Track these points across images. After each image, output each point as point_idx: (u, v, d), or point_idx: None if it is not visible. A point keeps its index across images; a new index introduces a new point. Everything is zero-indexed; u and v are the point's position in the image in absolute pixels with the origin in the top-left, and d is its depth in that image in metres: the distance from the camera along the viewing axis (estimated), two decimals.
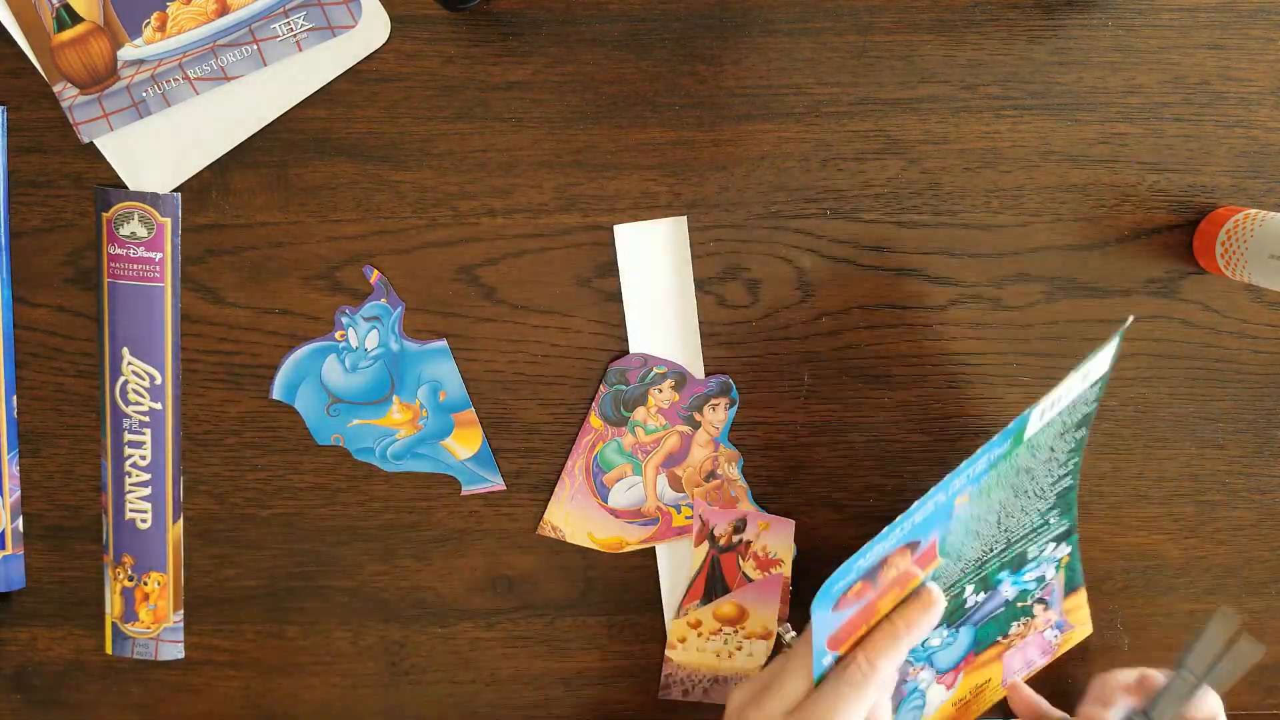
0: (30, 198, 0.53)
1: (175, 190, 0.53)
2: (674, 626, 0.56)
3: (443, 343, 0.54)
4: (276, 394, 0.54)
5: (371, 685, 0.57)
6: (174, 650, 0.56)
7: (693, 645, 0.56)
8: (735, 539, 0.56)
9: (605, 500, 0.55)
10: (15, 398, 0.55)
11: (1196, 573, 0.57)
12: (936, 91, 0.53)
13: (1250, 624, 0.57)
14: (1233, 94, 0.53)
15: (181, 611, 0.56)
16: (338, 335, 0.53)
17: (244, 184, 0.53)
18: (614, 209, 0.53)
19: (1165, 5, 0.52)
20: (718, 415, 0.55)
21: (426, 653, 0.57)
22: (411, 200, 0.53)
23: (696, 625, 0.56)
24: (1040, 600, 0.55)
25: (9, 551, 0.56)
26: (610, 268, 0.54)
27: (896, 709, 0.51)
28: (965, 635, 0.53)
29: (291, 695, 0.57)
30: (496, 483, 0.55)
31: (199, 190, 0.53)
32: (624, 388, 0.54)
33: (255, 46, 0.52)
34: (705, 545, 0.56)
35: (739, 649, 0.56)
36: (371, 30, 0.52)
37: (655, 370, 0.54)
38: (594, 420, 0.54)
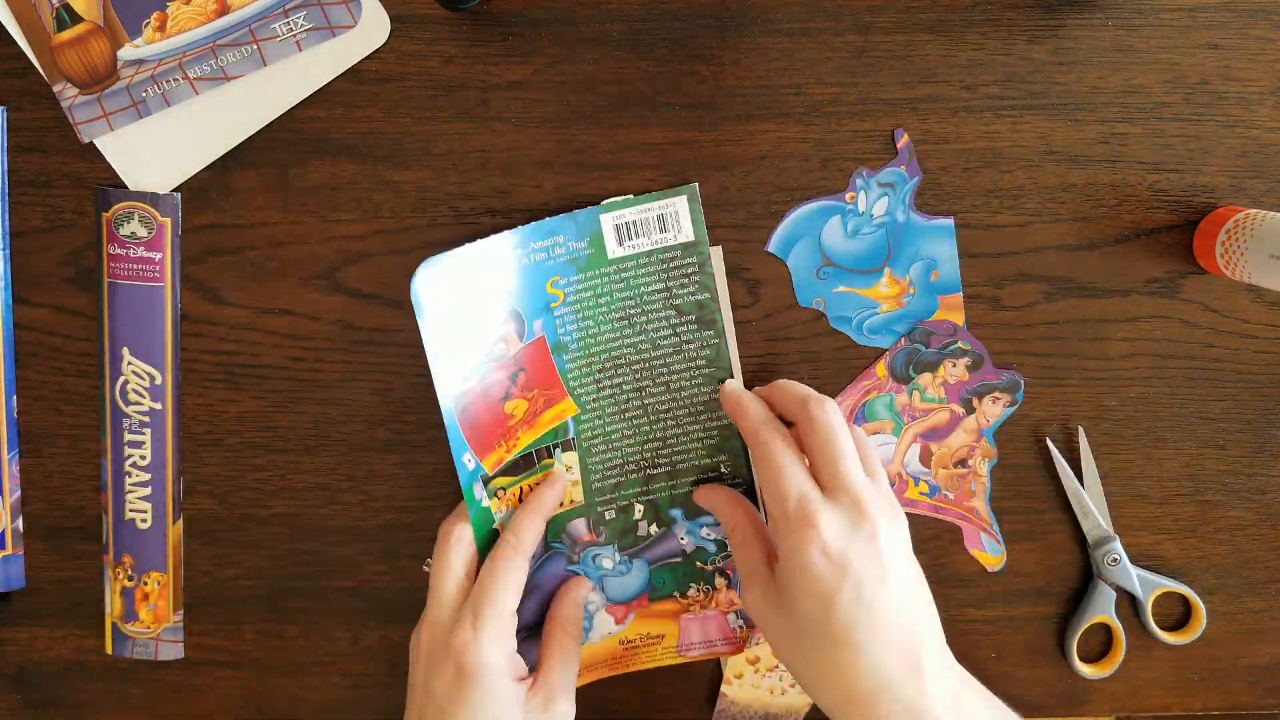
0: (30, 198, 0.53)
1: (175, 190, 0.53)
2: (732, 662, 0.56)
3: (949, 221, 0.52)
4: (772, 247, 0.53)
5: (371, 685, 0.57)
6: (174, 650, 0.56)
7: (749, 681, 0.56)
8: None
9: None
10: (15, 398, 0.55)
11: (1196, 573, 0.57)
12: (936, 91, 0.53)
13: (1250, 624, 0.57)
14: (1233, 94, 0.53)
15: (181, 611, 0.56)
16: (848, 197, 0.52)
17: (244, 184, 0.53)
18: None
19: (1165, 5, 0.52)
20: (995, 409, 0.54)
21: None
22: (411, 200, 0.53)
23: (755, 661, 0.56)
24: (722, 572, 0.55)
25: (9, 551, 0.56)
26: None
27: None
28: (639, 571, 0.55)
29: (291, 695, 0.57)
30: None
31: (199, 190, 0.53)
32: (922, 348, 0.54)
33: (255, 46, 0.52)
34: None
35: (792, 686, 0.56)
36: (371, 30, 0.52)
37: (960, 344, 0.54)
38: (879, 369, 0.54)
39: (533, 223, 0.51)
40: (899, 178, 0.52)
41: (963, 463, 0.55)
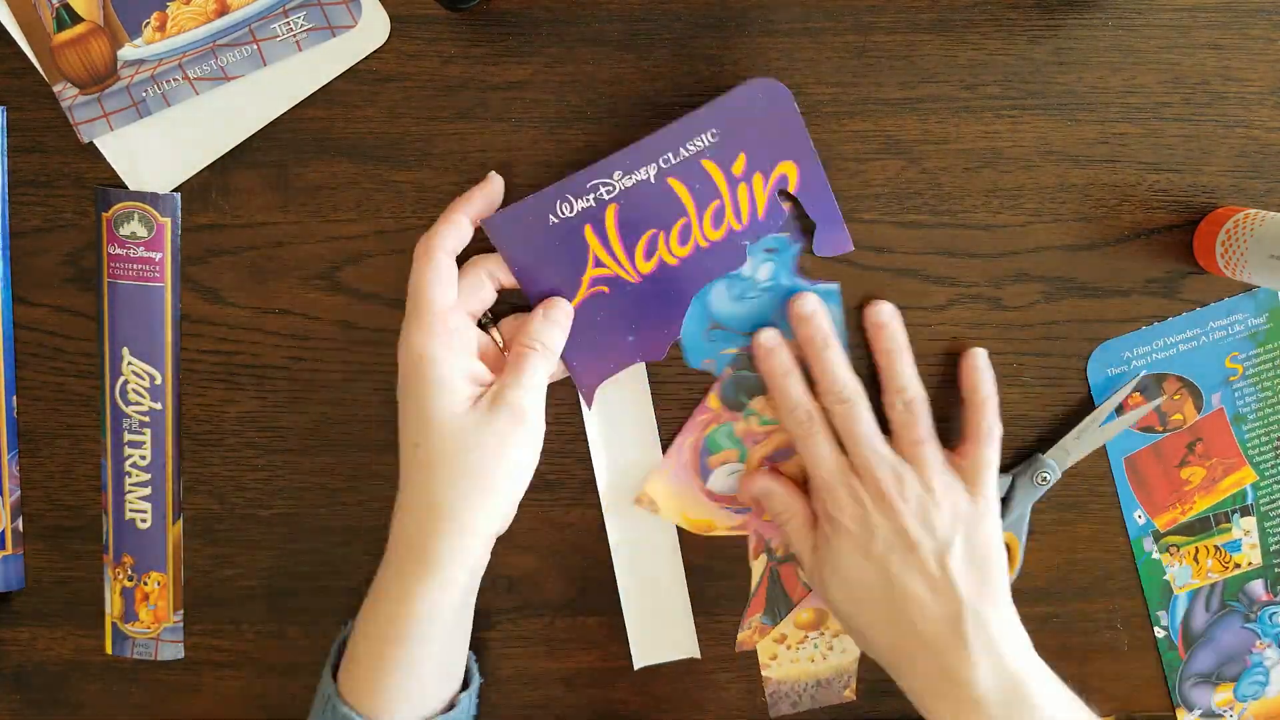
0: (30, 198, 0.53)
1: (175, 190, 0.53)
2: (762, 646, 0.56)
3: (835, 285, 0.53)
4: None
5: None
6: (174, 650, 0.56)
7: (785, 659, 0.56)
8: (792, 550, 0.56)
9: (705, 482, 0.55)
10: (15, 398, 0.55)
11: None
12: (936, 91, 0.53)
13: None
14: (1233, 94, 0.53)
15: (181, 611, 0.56)
16: None
17: (244, 184, 0.53)
18: None
19: (1165, 5, 0.52)
20: None
21: None
22: (411, 200, 0.53)
23: (782, 640, 0.56)
24: None
25: (9, 551, 0.56)
26: None
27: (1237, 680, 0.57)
28: None
29: (291, 695, 0.57)
30: None
31: (199, 190, 0.53)
32: (749, 374, 0.54)
33: (255, 46, 0.52)
34: (763, 558, 0.55)
35: (830, 649, 0.56)
36: (371, 30, 0.52)
37: None
38: (713, 400, 0.54)
39: (1210, 304, 0.54)
40: (782, 244, 0.52)
41: None
